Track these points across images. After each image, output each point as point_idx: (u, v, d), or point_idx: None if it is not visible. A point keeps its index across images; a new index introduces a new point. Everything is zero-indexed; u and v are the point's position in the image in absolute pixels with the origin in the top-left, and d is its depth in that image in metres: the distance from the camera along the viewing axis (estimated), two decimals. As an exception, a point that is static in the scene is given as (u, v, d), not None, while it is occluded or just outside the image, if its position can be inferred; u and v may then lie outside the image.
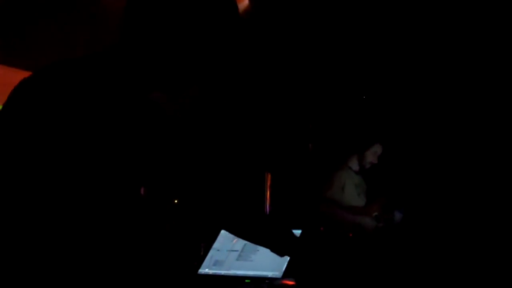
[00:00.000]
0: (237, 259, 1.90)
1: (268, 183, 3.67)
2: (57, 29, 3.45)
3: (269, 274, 1.79)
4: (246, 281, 1.80)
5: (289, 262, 1.73)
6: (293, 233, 1.25)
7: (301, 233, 1.84)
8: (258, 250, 1.85)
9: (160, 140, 1.02)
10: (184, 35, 1.05)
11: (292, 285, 1.68)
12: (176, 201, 1.11)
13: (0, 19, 3.29)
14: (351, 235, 3.01)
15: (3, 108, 1.01)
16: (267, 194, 3.63)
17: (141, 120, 0.99)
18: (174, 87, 1.13)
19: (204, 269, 1.93)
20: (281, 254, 1.25)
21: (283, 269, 1.76)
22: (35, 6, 3.21)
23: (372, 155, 3.24)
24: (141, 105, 1.01)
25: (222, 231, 1.99)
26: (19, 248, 0.91)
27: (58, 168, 0.93)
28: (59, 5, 3.21)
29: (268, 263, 1.79)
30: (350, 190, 3.20)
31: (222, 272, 1.88)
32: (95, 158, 0.94)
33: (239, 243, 1.92)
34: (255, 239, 1.27)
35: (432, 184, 3.42)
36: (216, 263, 1.92)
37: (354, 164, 3.28)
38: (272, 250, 1.23)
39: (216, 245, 1.99)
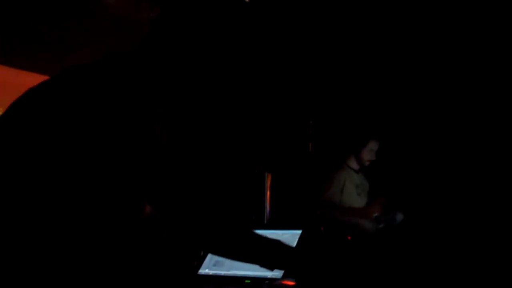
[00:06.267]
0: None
1: (268, 183, 3.66)
2: (57, 30, 3.45)
3: (269, 274, 1.78)
4: (246, 281, 1.80)
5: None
6: (282, 244, 1.19)
7: (301, 234, 1.83)
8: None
9: (165, 146, 1.02)
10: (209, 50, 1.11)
11: (292, 285, 1.68)
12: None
13: (0, 19, 3.29)
14: (350, 238, 2.99)
15: (13, 105, 1.02)
16: (267, 194, 3.62)
17: (145, 126, 0.99)
18: (187, 98, 1.14)
19: (204, 270, 1.93)
20: (271, 268, 1.19)
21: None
22: (35, 6, 3.21)
23: (368, 152, 3.22)
24: (147, 113, 1.01)
25: None
26: (21, 249, 0.92)
27: (62, 171, 0.93)
28: (59, 5, 3.21)
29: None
30: (349, 191, 3.18)
31: (222, 272, 1.88)
32: (99, 162, 0.95)
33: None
34: (242, 258, 1.21)
35: (433, 184, 3.41)
36: (216, 264, 1.92)
37: (354, 163, 3.26)
38: (261, 266, 1.17)
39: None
